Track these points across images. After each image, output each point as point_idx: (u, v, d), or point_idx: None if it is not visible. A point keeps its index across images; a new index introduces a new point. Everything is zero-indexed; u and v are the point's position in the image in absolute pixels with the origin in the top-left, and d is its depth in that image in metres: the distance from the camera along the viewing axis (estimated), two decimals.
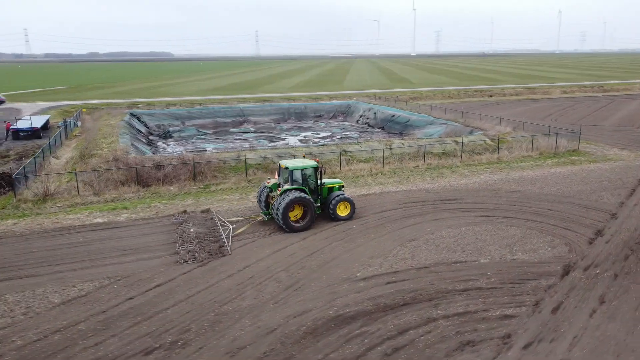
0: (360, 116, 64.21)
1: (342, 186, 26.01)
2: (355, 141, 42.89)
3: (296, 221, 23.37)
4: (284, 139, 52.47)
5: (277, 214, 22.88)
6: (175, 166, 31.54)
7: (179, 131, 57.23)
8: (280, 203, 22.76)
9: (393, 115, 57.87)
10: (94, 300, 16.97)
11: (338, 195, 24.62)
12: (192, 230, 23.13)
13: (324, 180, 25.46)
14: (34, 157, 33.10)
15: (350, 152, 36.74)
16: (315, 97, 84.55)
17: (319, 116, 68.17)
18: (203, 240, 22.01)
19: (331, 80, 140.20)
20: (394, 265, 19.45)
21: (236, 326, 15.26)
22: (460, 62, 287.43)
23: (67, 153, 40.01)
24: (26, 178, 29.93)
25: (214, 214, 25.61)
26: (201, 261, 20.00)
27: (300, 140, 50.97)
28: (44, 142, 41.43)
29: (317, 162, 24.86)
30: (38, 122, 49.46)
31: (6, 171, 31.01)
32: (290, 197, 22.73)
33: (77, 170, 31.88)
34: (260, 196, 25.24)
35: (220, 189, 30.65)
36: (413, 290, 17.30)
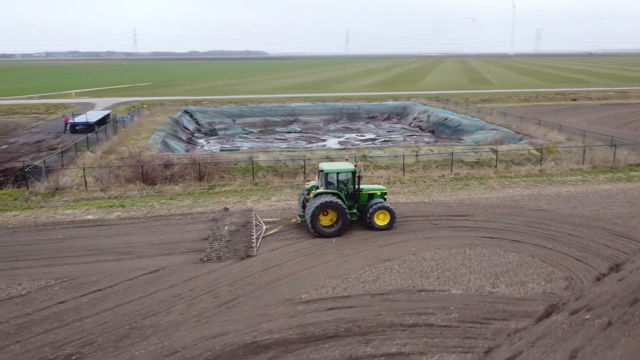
0: (414, 118, 60.97)
1: (385, 193, 24.29)
2: (378, 146, 40.39)
3: (327, 226, 22.26)
4: (324, 140, 50.99)
5: (307, 217, 22.11)
6: (184, 166, 31.38)
7: (224, 129, 57.84)
8: (311, 206, 21.94)
9: (445, 119, 54.20)
10: (28, 301, 16.80)
11: (377, 203, 23.00)
12: (226, 228, 23.03)
13: (364, 186, 24.12)
14: (61, 152, 34.57)
15: (371, 157, 34.50)
16: (382, 97, 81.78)
17: (372, 117, 65.76)
18: (234, 239, 21.76)
19: (409, 80, 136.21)
20: (349, 288, 17.46)
21: (141, 344, 14.27)
22: (558, 63, 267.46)
23: (105, 148, 41.54)
24: (48, 171, 31.20)
25: (254, 213, 25.27)
26: (225, 260, 19.78)
27: (340, 143, 49.25)
28: (97, 136, 43.38)
29: (356, 166, 23.42)
30: (94, 117, 52.26)
31: (27, 164, 32.54)
32: (320, 201, 21.82)
33: (94, 165, 32.77)
34: (300, 198, 24.59)
35: (225, 190, 30.00)
36: (352, 321, 15.28)
